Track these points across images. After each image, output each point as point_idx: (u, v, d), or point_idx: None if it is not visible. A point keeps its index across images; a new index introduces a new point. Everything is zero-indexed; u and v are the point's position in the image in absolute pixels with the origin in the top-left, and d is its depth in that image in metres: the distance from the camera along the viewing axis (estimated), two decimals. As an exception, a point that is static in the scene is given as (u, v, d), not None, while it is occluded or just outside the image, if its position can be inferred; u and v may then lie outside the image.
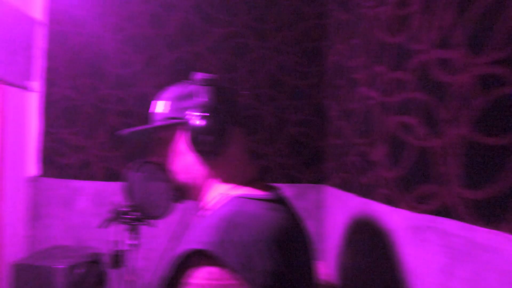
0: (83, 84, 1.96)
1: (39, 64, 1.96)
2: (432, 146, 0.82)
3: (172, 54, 1.96)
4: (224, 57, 1.95)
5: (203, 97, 0.81)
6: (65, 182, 1.95)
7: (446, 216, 0.75)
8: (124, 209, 1.05)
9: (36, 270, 1.58)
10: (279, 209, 0.75)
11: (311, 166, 1.94)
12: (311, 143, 1.95)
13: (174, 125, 0.84)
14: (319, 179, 1.93)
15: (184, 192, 0.91)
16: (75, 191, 1.95)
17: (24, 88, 1.87)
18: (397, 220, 1.00)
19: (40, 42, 1.96)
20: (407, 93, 0.95)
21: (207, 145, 0.78)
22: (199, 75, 0.87)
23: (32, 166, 1.96)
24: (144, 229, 1.24)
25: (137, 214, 1.05)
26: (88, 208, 1.95)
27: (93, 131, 1.95)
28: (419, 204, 0.87)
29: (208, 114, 0.77)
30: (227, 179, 0.83)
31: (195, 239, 0.64)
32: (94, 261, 1.74)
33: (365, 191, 1.28)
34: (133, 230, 1.09)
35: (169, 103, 0.87)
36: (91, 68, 1.96)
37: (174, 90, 0.90)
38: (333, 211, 1.73)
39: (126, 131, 0.90)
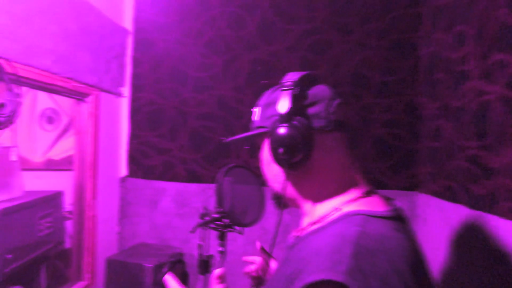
0: (166, 88, 2.03)
1: (127, 71, 2.08)
2: None
3: (250, 55, 1.93)
4: (304, 55, 1.86)
5: (284, 103, 0.70)
6: (150, 182, 2.04)
7: None
8: (213, 215, 1.01)
9: (127, 267, 1.66)
10: (402, 229, 0.64)
11: (401, 170, 1.76)
12: (400, 145, 1.76)
13: (260, 134, 0.78)
14: (411, 186, 1.73)
15: (282, 200, 0.83)
16: (159, 192, 2.03)
17: (116, 94, 1.99)
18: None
19: (128, 50, 2.07)
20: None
21: (284, 157, 0.69)
22: (288, 76, 0.77)
23: (121, 167, 2.09)
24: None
25: (226, 221, 1.01)
26: (170, 208, 2.01)
27: (175, 134, 2.01)
28: None
29: (285, 125, 0.68)
30: (328, 192, 0.73)
31: (319, 265, 0.55)
32: (177, 261, 1.78)
33: (480, 203, 1.09)
34: (222, 236, 1.06)
35: (259, 110, 0.81)
36: (173, 73, 2.02)
37: (265, 95, 0.83)
38: (430, 223, 1.53)
39: (229, 138, 0.87)
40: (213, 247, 1.10)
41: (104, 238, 1.92)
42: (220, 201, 1.00)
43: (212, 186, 1.99)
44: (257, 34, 1.92)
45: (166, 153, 2.02)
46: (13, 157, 1.29)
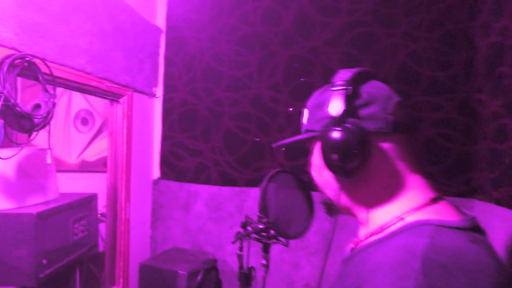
0: (199, 88, 1.97)
1: (160, 70, 2.03)
2: None
3: (287, 51, 1.83)
4: (345, 50, 1.74)
5: (336, 105, 0.63)
6: (183, 185, 1.99)
7: None
8: (257, 225, 0.92)
9: (161, 273, 1.60)
10: (481, 242, 0.56)
11: (455, 175, 1.59)
12: (454, 147, 1.60)
13: (309, 139, 0.72)
14: (467, 192, 1.57)
15: (334, 207, 0.74)
16: (192, 195, 1.97)
17: (149, 94, 1.95)
18: None
19: (161, 49, 2.03)
20: None
21: (337, 164, 0.63)
22: (339, 75, 0.68)
23: (154, 169, 2.05)
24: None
25: (271, 232, 0.91)
26: (203, 212, 1.95)
27: (208, 135, 1.94)
28: None
29: (338, 128, 0.62)
30: (386, 199, 0.65)
31: (382, 280, 0.49)
32: (211, 268, 1.71)
33: None
34: (265, 249, 0.96)
35: (308, 112, 0.74)
36: (206, 72, 1.95)
37: (314, 96, 0.75)
38: (490, 234, 1.36)
39: (277, 143, 0.81)
40: (253, 255, 1.01)
41: (137, 242, 1.88)
42: (264, 210, 0.91)
43: (246, 190, 1.93)
44: (294, 29, 1.82)
45: (198, 155, 1.95)
46: (48, 160, 1.26)
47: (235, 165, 1.90)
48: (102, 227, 1.91)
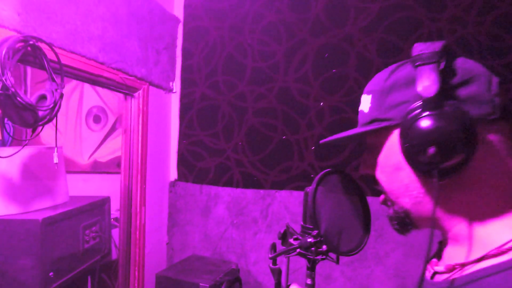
0: (220, 82, 1.81)
1: (178, 63, 1.89)
2: None
3: (317, 40, 1.65)
4: (383, 38, 1.56)
5: (427, 83, 0.48)
6: (202, 187, 1.83)
7: None
8: (305, 238, 0.75)
9: (179, 285, 1.45)
10: None
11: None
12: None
13: (378, 130, 0.55)
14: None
15: (411, 220, 0.56)
16: (212, 198, 1.81)
17: (166, 89, 1.80)
18: None
19: (179, 41, 1.88)
20: None
21: (433, 161, 0.48)
22: (420, 47, 0.51)
23: (170, 170, 1.90)
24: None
25: (323, 247, 0.74)
26: (225, 217, 1.78)
27: (230, 133, 1.78)
28: None
29: (433, 113, 0.47)
30: (498, 207, 0.49)
31: None
32: (235, 280, 1.55)
33: None
34: (312, 266, 0.79)
35: (373, 98, 0.57)
36: (228, 64, 1.79)
37: (380, 77, 0.58)
38: None
39: (329, 138, 0.65)
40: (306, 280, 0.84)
41: (152, 250, 1.73)
42: (314, 220, 0.74)
43: (272, 193, 1.76)
44: (325, 15, 1.65)
45: (220, 155, 1.80)
46: (55, 159, 1.12)
47: (259, 166, 1.73)
48: (116, 233, 1.77)
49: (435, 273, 0.52)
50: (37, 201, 1.23)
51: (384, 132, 0.55)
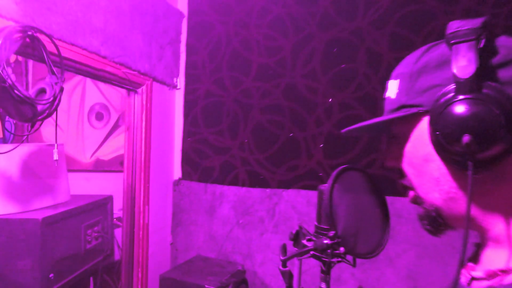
0: (225, 78, 1.76)
1: (182, 59, 1.84)
2: None
3: (325, 34, 1.60)
4: (395, 31, 1.50)
5: (463, 63, 0.43)
6: (207, 186, 1.78)
7: None
8: (321, 240, 0.70)
9: (184, 287, 1.40)
10: None
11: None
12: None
13: (407, 117, 0.50)
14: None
15: (444, 219, 0.51)
16: (217, 197, 1.76)
17: (170, 85, 1.76)
18: None
19: (183, 36, 1.83)
20: None
21: (463, 151, 0.43)
22: (456, 25, 0.45)
23: (174, 168, 1.85)
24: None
25: (340, 249, 0.69)
26: (230, 216, 1.74)
27: (235, 130, 1.74)
28: None
29: (471, 96, 0.42)
30: None
31: None
32: (241, 281, 1.50)
33: None
34: (327, 269, 0.74)
35: (401, 82, 0.52)
36: (233, 60, 1.75)
37: (409, 60, 0.52)
38: None
39: (353, 126, 0.58)
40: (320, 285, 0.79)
41: (156, 250, 1.69)
42: (331, 220, 0.69)
43: (279, 192, 1.71)
44: (333, 8, 1.59)
45: (225, 153, 1.75)
46: (55, 156, 1.08)
47: (266, 164, 1.68)
48: (118, 233, 1.72)
49: (473, 278, 0.47)
50: (37, 200, 1.19)
51: (413, 120, 0.49)
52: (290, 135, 1.65)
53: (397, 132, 0.54)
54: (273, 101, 1.67)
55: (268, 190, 1.67)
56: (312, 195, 1.60)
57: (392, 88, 0.53)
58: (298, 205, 1.62)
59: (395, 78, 0.53)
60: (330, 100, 1.59)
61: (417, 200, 0.52)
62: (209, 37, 1.79)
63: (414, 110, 0.48)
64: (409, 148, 0.51)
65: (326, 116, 1.59)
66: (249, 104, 1.71)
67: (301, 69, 1.64)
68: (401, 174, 0.55)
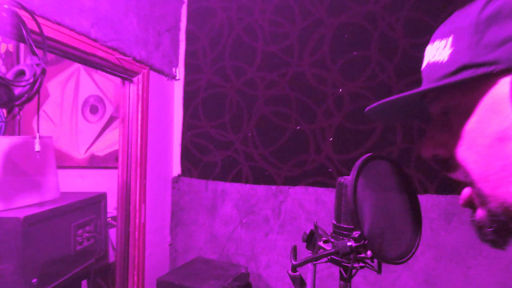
0: (227, 67, 1.65)
1: (181, 48, 1.73)
2: None
3: (335, 19, 1.49)
4: (410, 16, 1.39)
5: None
6: (208, 183, 1.68)
7: None
8: (344, 242, 0.59)
9: (183, 292, 1.29)
10: None
11: None
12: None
13: (472, 80, 0.36)
14: None
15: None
16: (219, 195, 1.66)
17: (168, 75, 1.65)
18: None
19: (182, 23, 1.72)
20: None
21: None
22: None
23: (173, 164, 1.74)
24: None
25: (367, 253, 0.58)
26: (233, 215, 1.63)
27: (239, 123, 1.63)
28: None
29: None
30: None
31: None
32: (244, 286, 1.39)
33: None
34: (349, 276, 0.63)
35: (458, 38, 0.38)
36: (236, 48, 1.64)
37: (468, 11, 0.39)
38: None
39: (383, 100, 0.46)
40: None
41: (153, 251, 1.58)
42: (355, 219, 0.58)
43: (285, 189, 1.60)
44: (344, -8, 1.48)
45: (227, 148, 1.64)
46: (37, 147, 0.97)
47: (271, 159, 1.57)
48: (113, 233, 1.62)
49: None
50: (21, 197, 1.08)
51: (482, 84, 0.37)
52: (297, 128, 1.54)
53: (454, 104, 0.40)
54: (279, 92, 1.56)
55: (273, 187, 1.56)
56: (321, 192, 1.49)
57: (441, 49, 0.40)
58: (306, 203, 1.51)
59: (446, 36, 0.40)
60: (340, 90, 1.48)
61: (474, 201, 0.40)
62: (210, 24, 1.68)
63: (487, 69, 0.35)
64: (472, 125, 0.38)
65: (336, 108, 1.48)
66: (253, 95, 1.60)
67: (309, 57, 1.52)
68: (450, 165, 0.42)
